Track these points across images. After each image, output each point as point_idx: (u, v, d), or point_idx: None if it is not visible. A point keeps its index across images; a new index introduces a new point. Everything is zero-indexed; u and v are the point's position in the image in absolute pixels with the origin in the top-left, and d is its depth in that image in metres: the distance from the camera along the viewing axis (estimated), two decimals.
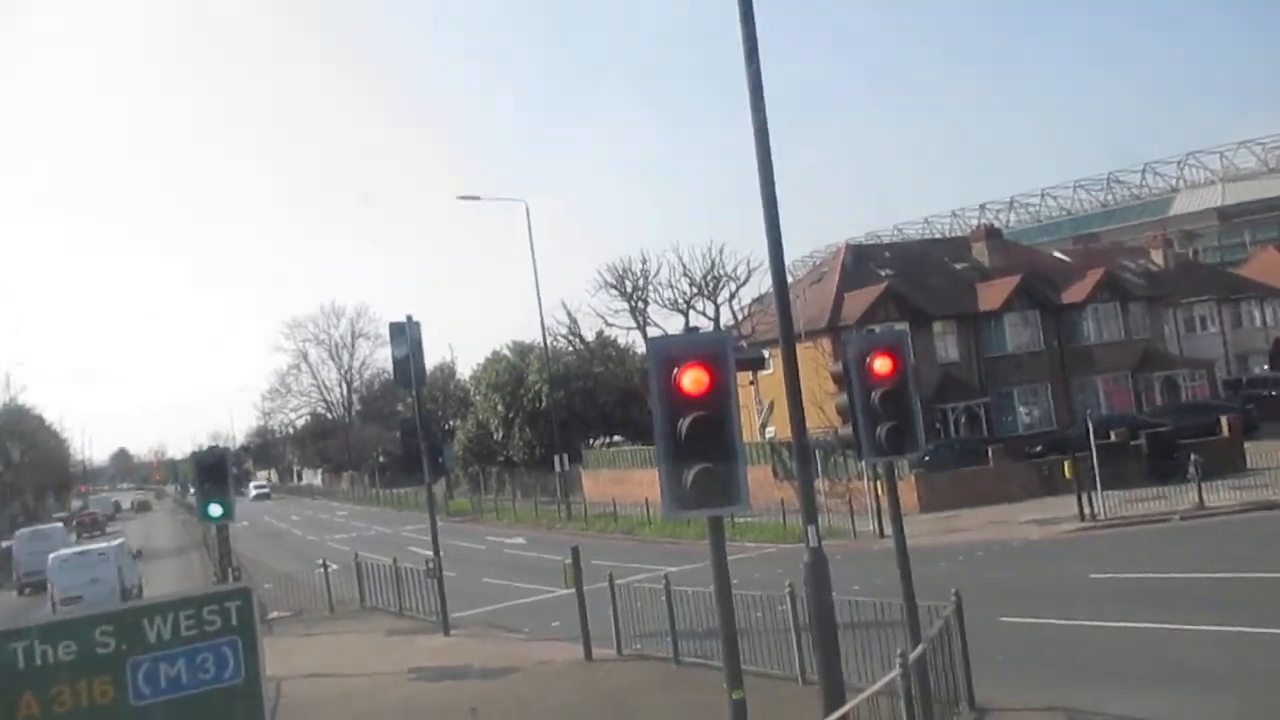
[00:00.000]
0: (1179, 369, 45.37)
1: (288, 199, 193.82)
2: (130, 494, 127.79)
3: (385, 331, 21.81)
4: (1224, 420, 34.08)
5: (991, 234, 49.81)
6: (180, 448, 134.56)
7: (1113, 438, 30.97)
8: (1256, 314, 54.94)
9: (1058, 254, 53.81)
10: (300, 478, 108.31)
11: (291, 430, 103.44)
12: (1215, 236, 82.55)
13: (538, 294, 59.91)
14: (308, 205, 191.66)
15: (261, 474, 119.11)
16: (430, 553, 21.21)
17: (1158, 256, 54.79)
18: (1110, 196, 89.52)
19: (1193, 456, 26.85)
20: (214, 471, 18.68)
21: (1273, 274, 59.82)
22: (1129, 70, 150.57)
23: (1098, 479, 26.56)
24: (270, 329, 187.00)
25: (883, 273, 44.77)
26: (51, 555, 29.97)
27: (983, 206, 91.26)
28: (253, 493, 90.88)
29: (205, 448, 21.82)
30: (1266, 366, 52.91)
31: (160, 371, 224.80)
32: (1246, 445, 32.38)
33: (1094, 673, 12.52)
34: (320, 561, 26.26)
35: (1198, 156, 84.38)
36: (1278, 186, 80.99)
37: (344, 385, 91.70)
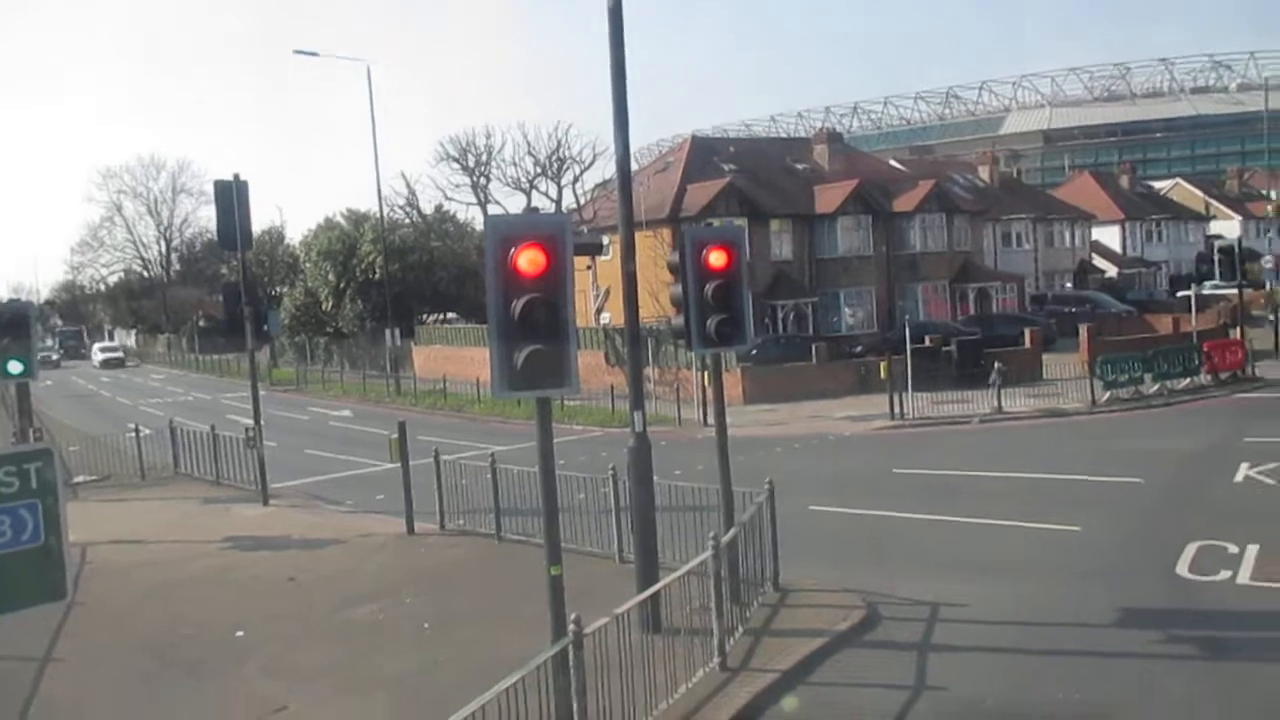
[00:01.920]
0: (993, 281, 48.02)
1: (103, 36, 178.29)
2: None
3: (209, 189, 20.69)
4: (1028, 332, 36.41)
5: (833, 138, 50.91)
6: None
7: (927, 342, 32.65)
8: (1066, 235, 58.54)
9: (893, 162, 55.52)
10: (112, 338, 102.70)
11: (103, 287, 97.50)
12: (1039, 158, 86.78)
13: (376, 161, 57.75)
14: (134, 41, 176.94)
15: (65, 327, 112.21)
16: (250, 421, 20.65)
17: (985, 172, 57.30)
18: (948, 110, 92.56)
19: (996, 364, 28.63)
20: (15, 326, 17.52)
21: (1085, 198, 63.73)
22: None
23: (910, 381, 28.08)
24: (82, 177, 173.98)
25: (726, 167, 45.20)
26: None
27: (828, 109, 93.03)
28: (99, 357, 77.40)
29: (5, 300, 20.34)
30: (1070, 285, 56.69)
31: None
32: (1045, 357, 34.74)
33: (890, 559, 13.44)
34: (132, 426, 25.20)
35: (1031, 79, 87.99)
36: (1099, 115, 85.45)
37: (163, 243, 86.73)
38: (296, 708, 9.37)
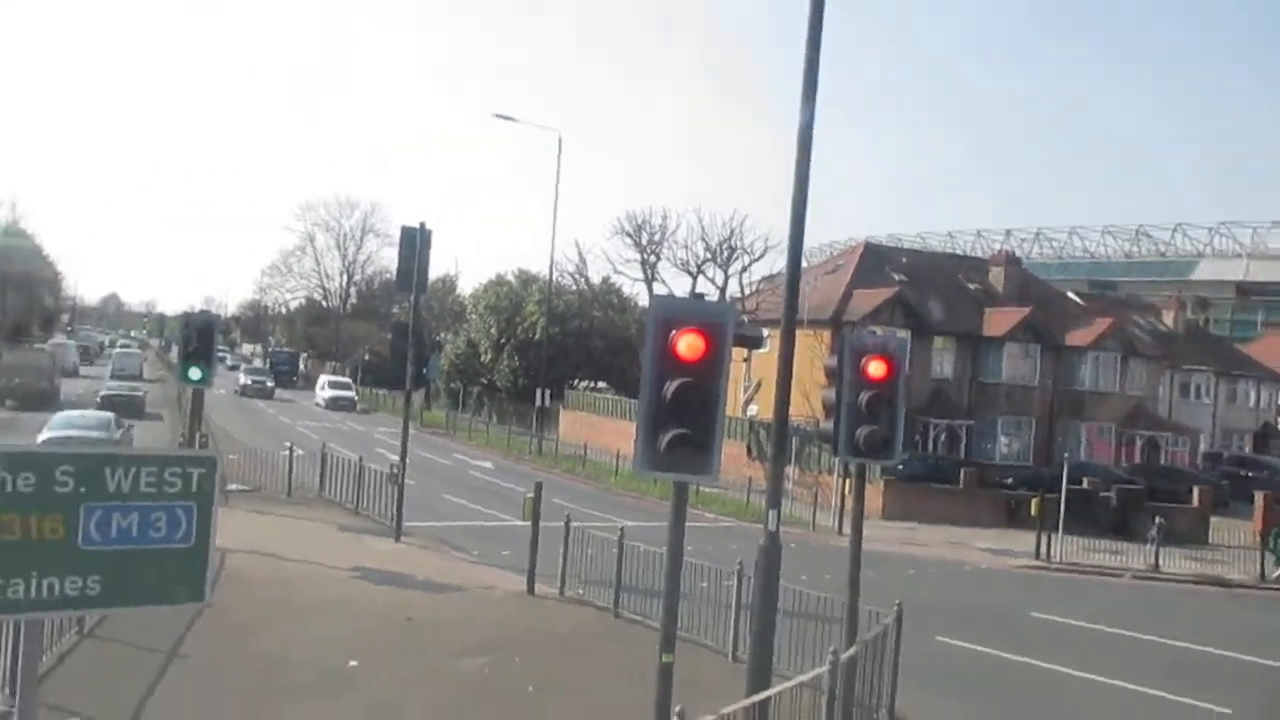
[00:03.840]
0: (1164, 431, 45.57)
1: (326, 84, 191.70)
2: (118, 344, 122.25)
3: (395, 232, 21.82)
4: (1196, 490, 34.29)
5: (1011, 261, 49.68)
6: (171, 304, 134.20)
7: (1085, 485, 31.15)
8: (1252, 393, 55.15)
9: (1072, 295, 53.72)
10: (254, 354, 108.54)
11: (284, 310, 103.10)
12: (1230, 309, 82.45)
13: (554, 227, 59.74)
14: (345, 95, 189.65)
15: (248, 347, 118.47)
16: (396, 458, 21.30)
17: (1169, 317, 54.77)
18: (1136, 248, 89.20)
19: (1157, 519, 27.05)
20: (201, 335, 18.68)
21: (1276, 359, 59.93)
22: (1186, 125, 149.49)
23: (1061, 522, 26.77)
24: (283, 210, 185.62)
25: (896, 276, 44.67)
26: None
27: (1008, 232, 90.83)
28: (326, 394, 60.85)
29: (197, 310, 21.77)
30: (1249, 447, 53.20)
31: (165, 228, 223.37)
32: (1213, 519, 32.62)
33: (1013, 707, 12.70)
34: (287, 444, 26.37)
35: (1230, 227, 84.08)
36: None
37: (344, 276, 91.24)
38: None
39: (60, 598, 4.76)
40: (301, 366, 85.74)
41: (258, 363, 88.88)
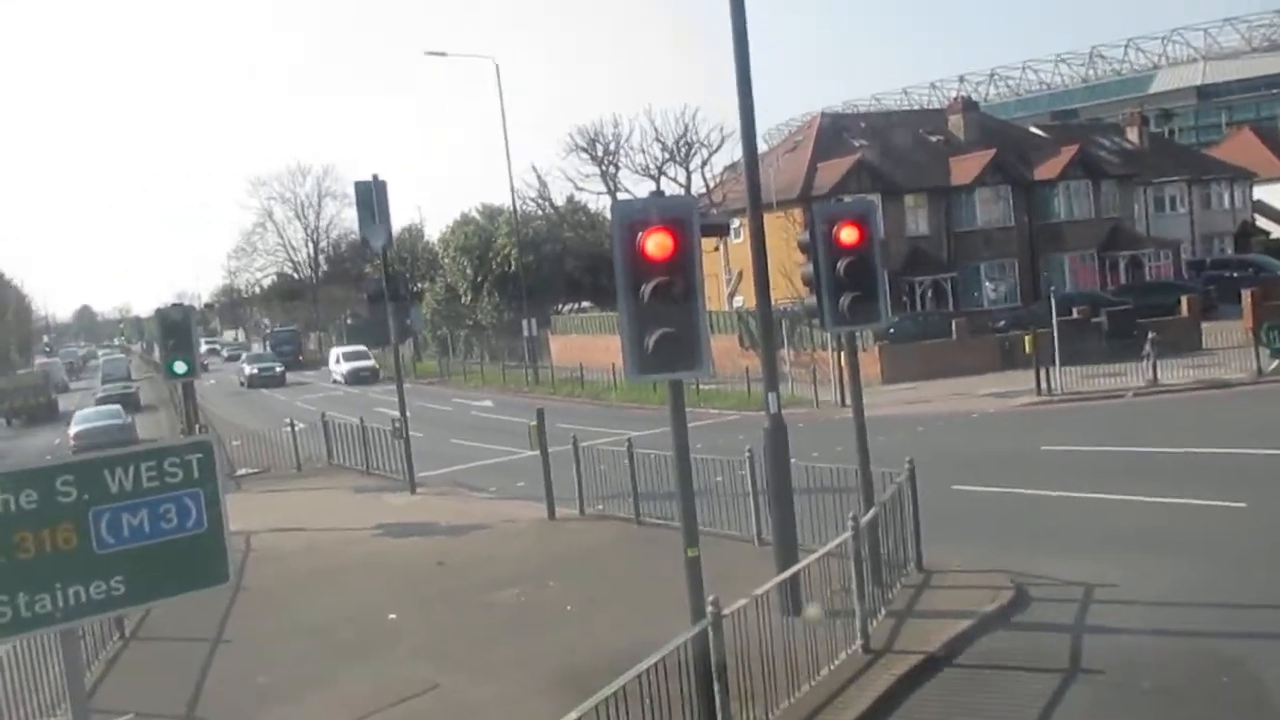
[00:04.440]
0: (1145, 248, 45.74)
1: (252, 51, 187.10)
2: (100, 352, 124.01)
3: (352, 191, 21.45)
4: (1184, 300, 34.56)
5: (968, 106, 49.26)
6: (145, 306, 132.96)
7: (1075, 315, 31.38)
8: (1226, 196, 55.21)
9: (1034, 129, 53.41)
10: (250, 337, 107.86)
11: (258, 290, 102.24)
12: (1193, 115, 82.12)
13: (507, 155, 59.15)
14: (271, 58, 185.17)
15: (229, 333, 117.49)
16: (397, 413, 21.38)
17: (1133, 134, 54.52)
18: (1091, 71, 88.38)
19: (1150, 335, 27.30)
20: (178, 329, 18.60)
21: (1245, 155, 59.90)
22: None
23: (1057, 355, 27.03)
24: (236, 187, 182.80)
25: (857, 143, 44.36)
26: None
27: (961, 78, 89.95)
28: (343, 367, 55.12)
29: (170, 305, 21.57)
30: (1230, 249, 53.46)
31: (124, 229, 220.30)
32: (1204, 325, 32.96)
33: (1040, 539, 12.98)
34: (288, 420, 26.42)
35: (1182, 33, 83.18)
36: (1259, 66, 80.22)
37: (311, 245, 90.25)
38: (447, 686, 9.67)
39: (88, 603, 4.83)
40: (303, 343, 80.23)
41: (257, 348, 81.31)
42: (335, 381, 55.16)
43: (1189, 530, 12.94)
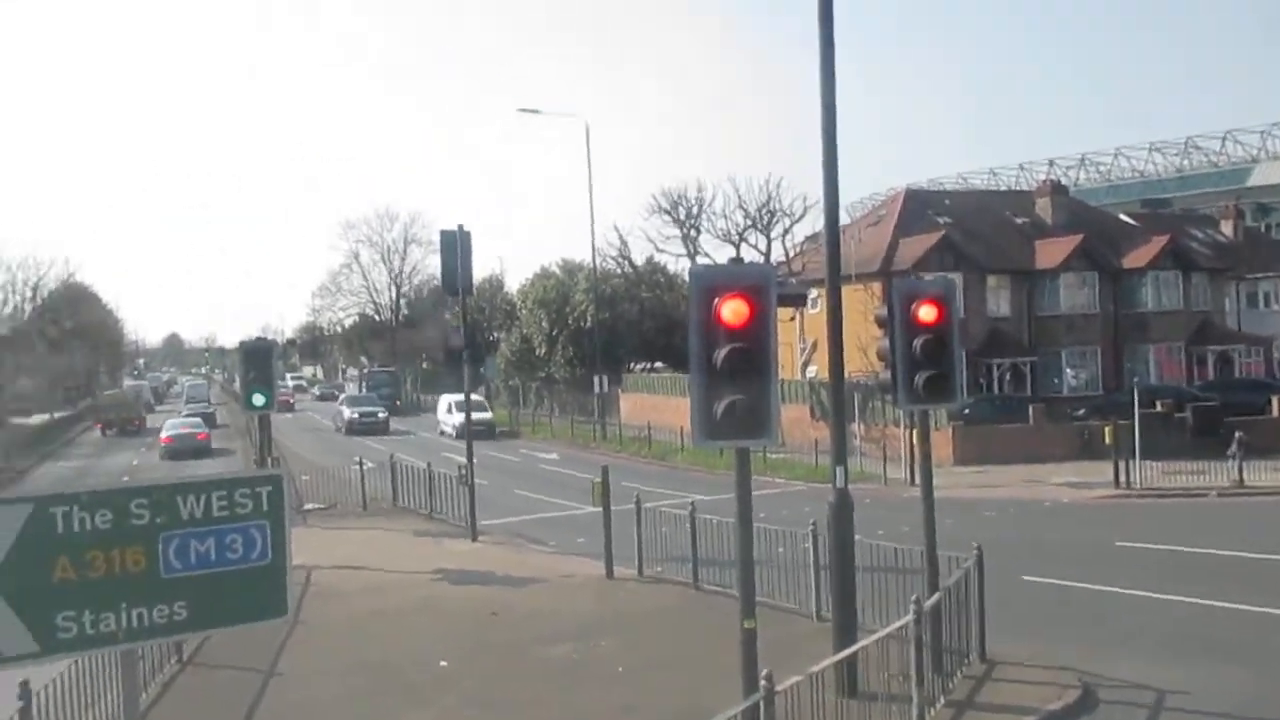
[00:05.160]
0: (1235, 344, 44.44)
1: (349, 103, 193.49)
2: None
3: (437, 238, 21.90)
4: (1275, 400, 33.42)
5: (1057, 190, 48.68)
6: (230, 338, 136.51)
7: (1159, 408, 30.53)
8: None
9: (1124, 217, 52.53)
10: (344, 375, 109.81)
11: (340, 329, 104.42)
12: None
13: (591, 213, 59.10)
14: (368, 109, 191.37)
15: (308, 368, 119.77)
16: (464, 460, 21.55)
17: (1227, 227, 53.29)
18: (1186, 162, 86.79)
19: (1237, 434, 26.42)
20: (259, 362, 18.99)
21: None
22: (1220, 33, 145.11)
23: (1137, 448, 26.26)
24: (326, 229, 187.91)
25: (941, 220, 44.04)
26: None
27: (1052, 162, 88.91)
28: (454, 419, 47.21)
29: (253, 339, 22.12)
30: None
31: (215, 263, 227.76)
32: None
33: (1110, 638, 12.52)
34: (357, 459, 26.80)
35: None
36: None
37: (393, 288, 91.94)
38: None
39: (150, 626, 4.91)
40: (408, 386, 73.85)
41: (351, 388, 75.77)
42: (444, 433, 49.04)
43: (1269, 641, 12.36)
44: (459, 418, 44.52)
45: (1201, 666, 11.23)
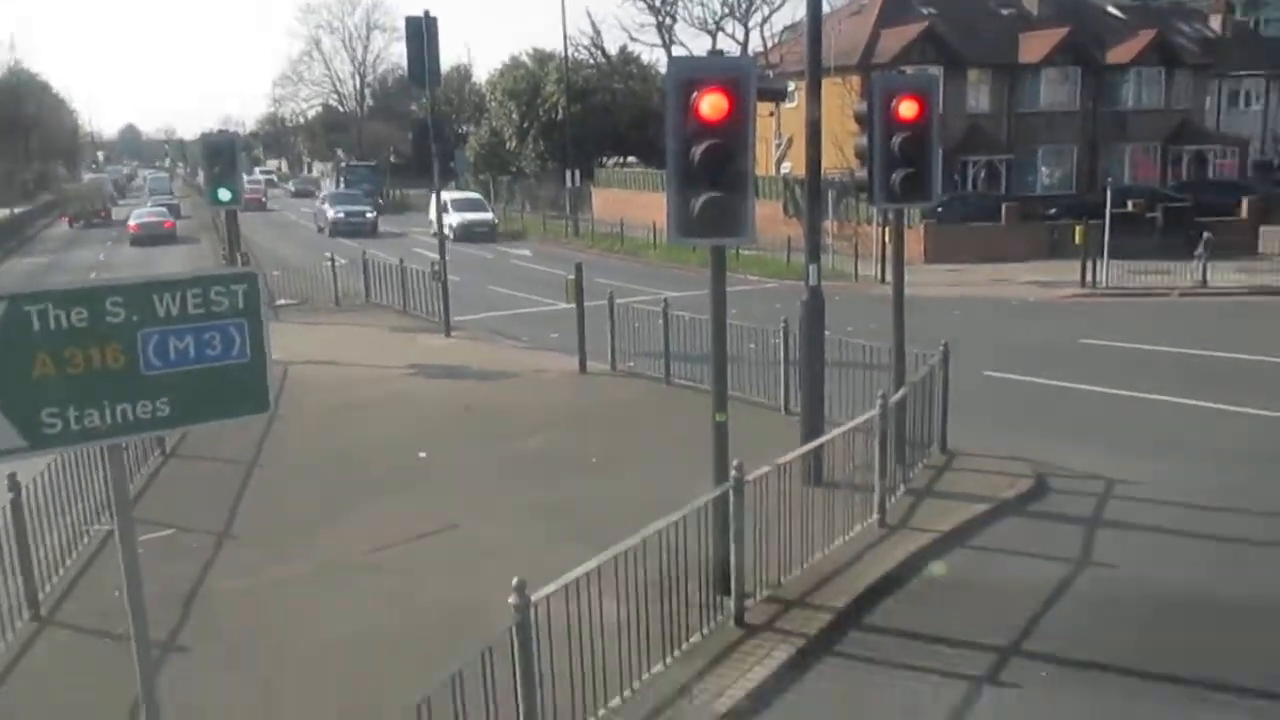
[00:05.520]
0: (1212, 144, 44.20)
1: None
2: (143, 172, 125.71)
3: (402, 25, 20.97)
4: (1245, 201, 33.56)
5: None
6: (189, 129, 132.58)
7: (1130, 208, 30.57)
8: None
9: (1111, 9, 50.97)
10: (310, 169, 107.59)
11: (302, 120, 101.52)
12: None
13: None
14: None
15: (272, 162, 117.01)
16: (436, 256, 21.46)
17: (1216, 22, 51.94)
18: None
19: (1205, 234, 26.65)
20: (223, 156, 18.56)
21: None
22: None
23: (1106, 248, 26.49)
24: (284, 13, 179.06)
25: (924, 10, 42.61)
26: None
27: None
28: (450, 219, 40.79)
29: (215, 131, 21.50)
30: None
31: (170, 48, 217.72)
32: (1263, 229, 32.05)
33: (1066, 432, 13.02)
34: (328, 255, 26.60)
35: None
36: None
37: (357, 78, 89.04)
38: (467, 525, 9.99)
39: (134, 422, 4.97)
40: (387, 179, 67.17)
41: (327, 184, 69.95)
42: (437, 235, 47.34)
43: (1220, 436, 12.90)
44: (457, 217, 42.57)
45: (1151, 458, 11.74)
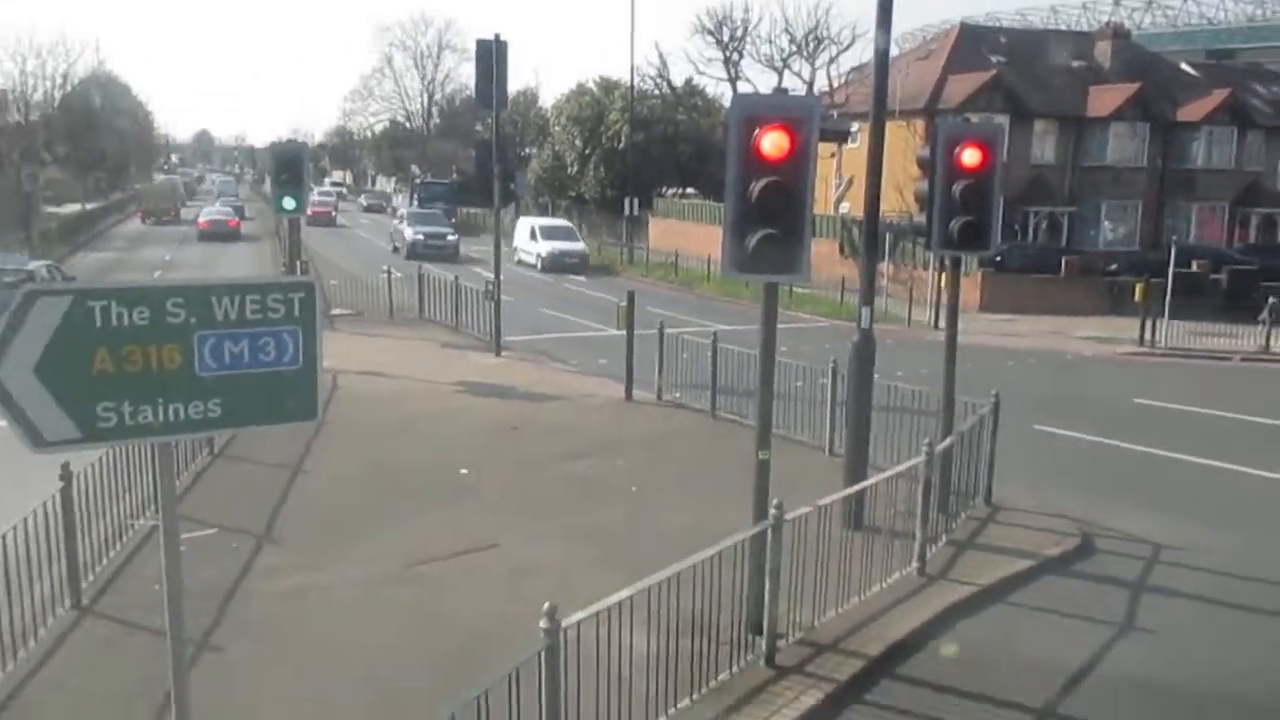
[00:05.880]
0: None
1: None
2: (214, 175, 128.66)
3: (472, 46, 21.30)
4: None
5: (1119, 34, 46.57)
6: (261, 137, 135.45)
7: (1194, 268, 30.07)
8: None
9: (1186, 66, 50.38)
10: (374, 183, 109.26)
11: (370, 135, 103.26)
12: None
13: (631, 29, 58.41)
14: None
15: (338, 173, 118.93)
16: (491, 275, 21.65)
17: None
18: (1260, 11, 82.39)
19: (1270, 299, 26.10)
20: (290, 165, 18.93)
21: None
22: None
23: (1167, 307, 26.04)
24: (360, 31, 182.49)
25: (993, 59, 42.43)
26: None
27: (1117, 2, 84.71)
28: (537, 248, 41.44)
29: (284, 140, 21.93)
30: None
31: (247, 57, 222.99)
32: None
33: (1116, 493, 12.76)
34: (385, 268, 26.96)
35: None
36: None
37: (425, 96, 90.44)
38: (506, 545, 10.01)
39: (186, 421, 5.06)
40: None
41: (401, 200, 67.04)
42: (522, 263, 41.75)
43: (1270, 505, 12.57)
44: (546, 246, 40.60)
45: (1202, 525, 11.47)
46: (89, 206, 62.58)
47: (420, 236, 43.26)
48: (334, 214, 65.81)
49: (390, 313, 25.22)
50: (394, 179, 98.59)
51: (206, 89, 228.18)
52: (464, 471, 12.54)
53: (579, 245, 42.54)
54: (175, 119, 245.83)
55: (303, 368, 5.32)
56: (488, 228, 54.59)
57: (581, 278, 39.52)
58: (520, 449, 13.84)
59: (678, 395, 16.63)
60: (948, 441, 10.39)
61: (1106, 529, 11.11)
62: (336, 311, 24.61)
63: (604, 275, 40.47)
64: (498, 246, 22.37)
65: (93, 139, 67.29)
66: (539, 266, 40.53)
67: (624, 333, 17.20)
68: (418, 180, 67.14)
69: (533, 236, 42.67)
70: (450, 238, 44.32)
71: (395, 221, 50.32)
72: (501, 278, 21.37)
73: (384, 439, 14.12)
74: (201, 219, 53.18)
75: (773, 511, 7.44)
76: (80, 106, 66.33)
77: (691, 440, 14.59)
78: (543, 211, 60.92)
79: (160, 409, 4.96)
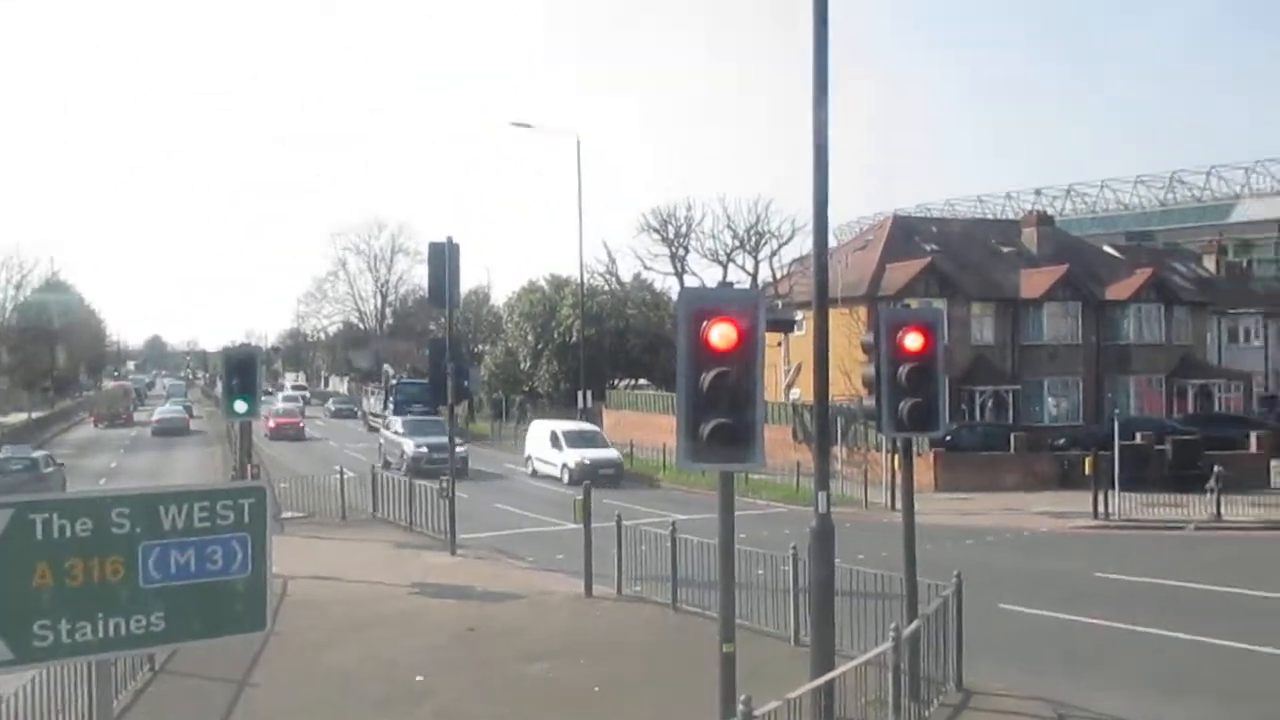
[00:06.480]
0: (1216, 378, 44.83)
1: (339, 112, 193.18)
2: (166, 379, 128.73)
3: (425, 249, 21.90)
4: (1254, 436, 33.67)
5: (1043, 220, 49.06)
6: (213, 341, 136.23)
7: (1138, 440, 30.72)
8: None
9: (1108, 249, 52.96)
10: (328, 384, 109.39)
11: (324, 336, 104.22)
12: (1274, 248, 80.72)
13: (580, 229, 59.93)
14: (357, 119, 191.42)
15: (290, 375, 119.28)
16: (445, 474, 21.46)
17: (1210, 262, 53.87)
18: (1171, 195, 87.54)
19: (1216, 468, 26.58)
20: (243, 368, 18.96)
21: None
22: (1208, 69, 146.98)
23: (1116, 479, 26.41)
24: (313, 236, 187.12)
25: (928, 247, 44.30)
26: None
27: (1038, 191, 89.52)
28: (565, 457, 35.33)
29: (236, 345, 22.06)
30: None
31: (199, 266, 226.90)
32: (1274, 463, 32.02)
33: (1086, 671, 12.56)
34: (337, 468, 26.66)
35: (1266, 164, 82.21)
36: None
37: (379, 297, 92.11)
38: None
39: (127, 637, 4.88)
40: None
41: (371, 400, 62.46)
42: (538, 474, 37.19)
43: (1245, 677, 12.42)
44: (574, 455, 34.77)
45: (1175, 700, 11.27)
46: (34, 415, 61.87)
47: (424, 450, 35.59)
48: (301, 424, 56.15)
49: (342, 514, 24.77)
50: (346, 378, 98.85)
51: (160, 295, 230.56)
52: (419, 678, 12.06)
53: (613, 453, 36.51)
54: (128, 326, 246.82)
55: (251, 575, 5.19)
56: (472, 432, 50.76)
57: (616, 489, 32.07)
58: (477, 652, 13.39)
59: (638, 588, 16.31)
60: (913, 625, 10.23)
61: (1081, 709, 10.86)
62: (287, 514, 24.13)
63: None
64: (452, 443, 22.32)
65: (44, 350, 67.47)
66: (566, 479, 33.99)
67: (580, 526, 17.00)
68: (393, 381, 58.86)
69: (554, 444, 36.68)
70: (459, 449, 31.03)
71: (386, 431, 43.06)
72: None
73: (336, 647, 13.59)
74: (155, 417, 60.90)
75: (740, 708, 7.19)
76: (32, 318, 66.74)
77: (654, 635, 14.21)
78: (495, 407, 61.05)
79: (100, 624, 4.79)
